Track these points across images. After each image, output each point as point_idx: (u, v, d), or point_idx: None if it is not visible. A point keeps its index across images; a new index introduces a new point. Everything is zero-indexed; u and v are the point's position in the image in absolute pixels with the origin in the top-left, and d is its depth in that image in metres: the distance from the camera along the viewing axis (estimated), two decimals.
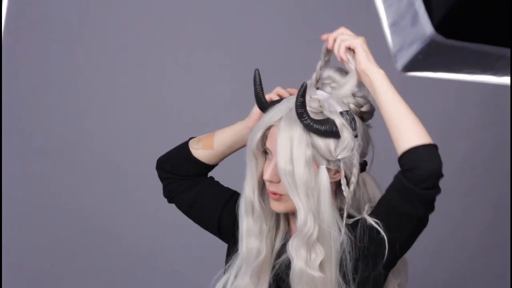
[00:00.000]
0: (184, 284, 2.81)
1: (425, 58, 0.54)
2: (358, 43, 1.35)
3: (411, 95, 2.91)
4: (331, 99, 1.37)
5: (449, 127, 2.96)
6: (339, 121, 1.33)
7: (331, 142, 1.33)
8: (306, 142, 1.31)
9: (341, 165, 1.35)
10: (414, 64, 0.56)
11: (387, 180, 1.38)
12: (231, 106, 2.75)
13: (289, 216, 1.43)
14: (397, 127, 1.30)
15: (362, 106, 1.39)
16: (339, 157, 1.34)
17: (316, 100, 1.35)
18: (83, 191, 2.80)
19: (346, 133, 1.34)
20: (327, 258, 1.34)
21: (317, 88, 1.42)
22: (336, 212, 1.36)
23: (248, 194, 1.40)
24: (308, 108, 1.31)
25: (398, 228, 1.32)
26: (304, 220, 1.32)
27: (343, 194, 1.37)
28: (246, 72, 2.80)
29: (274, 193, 1.37)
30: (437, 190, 1.34)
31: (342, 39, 1.38)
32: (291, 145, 1.31)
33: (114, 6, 2.79)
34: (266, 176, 1.36)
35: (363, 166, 1.44)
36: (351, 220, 1.38)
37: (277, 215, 1.44)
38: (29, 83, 2.76)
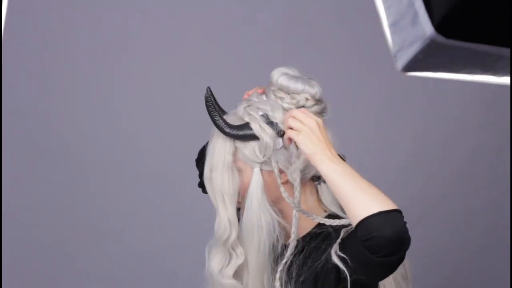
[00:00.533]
0: (183, 284, 2.81)
1: (425, 58, 0.54)
2: (300, 138, 1.30)
3: (411, 95, 2.92)
4: (261, 103, 1.40)
5: (449, 127, 2.96)
6: (255, 124, 1.37)
7: (255, 144, 1.38)
8: (227, 149, 1.39)
9: (273, 165, 1.38)
10: (414, 64, 0.56)
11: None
12: (231, 107, 2.75)
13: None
14: (349, 207, 1.24)
15: (298, 101, 1.39)
16: (264, 158, 1.37)
17: (240, 107, 1.42)
18: (82, 191, 2.80)
19: (264, 135, 1.36)
20: (249, 260, 1.39)
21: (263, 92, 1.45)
22: (271, 211, 1.39)
23: (232, 213, 1.44)
24: (231, 116, 1.40)
25: (366, 273, 1.28)
26: (218, 224, 1.41)
27: (323, 194, 1.43)
28: (246, 72, 2.80)
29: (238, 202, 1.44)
30: (400, 254, 1.23)
31: (289, 125, 1.33)
32: (213, 153, 1.41)
33: (115, 6, 2.79)
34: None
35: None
36: (335, 222, 1.38)
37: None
38: (29, 83, 2.76)
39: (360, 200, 1.23)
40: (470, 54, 0.53)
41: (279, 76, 1.41)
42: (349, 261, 1.28)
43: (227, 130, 1.38)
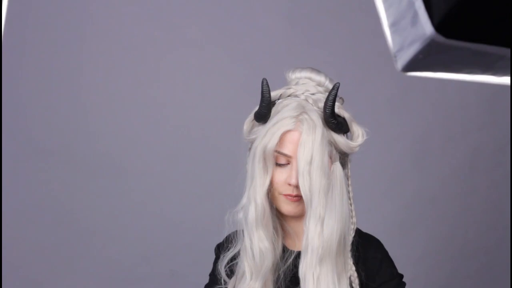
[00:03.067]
0: (184, 284, 2.81)
1: (425, 58, 0.54)
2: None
3: (411, 95, 2.92)
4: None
5: (449, 127, 2.97)
6: (348, 115, 1.40)
7: (344, 137, 1.40)
8: (327, 141, 1.37)
9: (347, 158, 1.44)
10: (414, 64, 0.56)
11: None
12: (231, 107, 2.76)
13: (287, 220, 1.46)
14: None
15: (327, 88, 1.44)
16: (357, 149, 1.41)
17: (319, 100, 1.41)
18: (83, 191, 2.80)
19: (354, 126, 1.41)
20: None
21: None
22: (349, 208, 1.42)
23: (260, 200, 1.40)
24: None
25: None
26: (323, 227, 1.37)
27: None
28: (246, 72, 2.81)
29: (296, 196, 1.39)
30: None
31: None
32: (313, 147, 1.34)
33: (115, 6, 2.79)
34: (293, 181, 1.37)
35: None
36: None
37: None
38: (29, 83, 2.77)
39: None
40: (470, 54, 0.53)
41: (301, 70, 1.45)
42: None
43: (339, 125, 1.39)
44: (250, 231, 1.40)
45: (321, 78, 1.43)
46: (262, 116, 1.40)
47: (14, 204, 2.75)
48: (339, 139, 1.38)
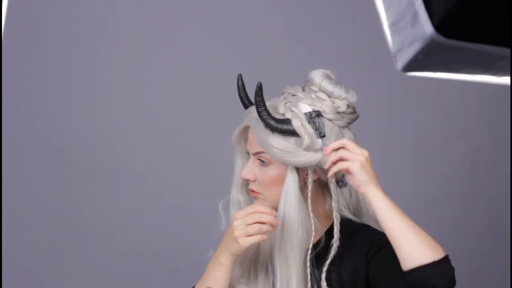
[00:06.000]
0: (184, 284, 2.81)
1: (425, 58, 0.54)
2: (356, 167, 1.30)
3: (411, 95, 2.92)
4: (302, 100, 1.40)
5: (449, 127, 2.96)
6: (297, 121, 1.36)
7: (291, 140, 1.37)
8: (262, 140, 1.38)
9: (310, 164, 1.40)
10: (414, 64, 0.56)
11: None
12: (231, 107, 2.75)
13: None
14: (401, 246, 1.26)
15: (338, 107, 1.39)
16: (299, 156, 1.37)
17: (281, 100, 1.41)
18: (83, 191, 2.80)
19: (304, 133, 1.36)
20: (289, 256, 1.40)
21: (303, 90, 1.44)
22: (302, 214, 1.39)
23: (234, 193, 1.48)
24: (275, 110, 1.39)
25: None
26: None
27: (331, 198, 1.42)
28: (246, 73, 2.80)
29: (252, 191, 1.44)
30: None
31: (341, 156, 1.32)
32: (261, 142, 1.38)
33: (115, 6, 2.79)
34: (241, 175, 1.43)
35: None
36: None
37: None
38: (29, 83, 2.76)
39: (414, 244, 1.25)
40: (470, 54, 0.53)
41: (323, 79, 1.40)
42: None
43: (274, 125, 1.36)
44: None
45: (314, 78, 1.42)
46: (242, 103, 1.49)
47: (14, 204, 2.75)
48: (280, 140, 1.36)
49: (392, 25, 0.56)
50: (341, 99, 1.39)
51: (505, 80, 0.58)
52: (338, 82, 1.41)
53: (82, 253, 2.81)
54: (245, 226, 1.31)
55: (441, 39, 0.51)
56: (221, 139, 2.77)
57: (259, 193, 1.43)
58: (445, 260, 1.26)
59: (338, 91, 1.39)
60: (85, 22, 2.78)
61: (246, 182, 1.47)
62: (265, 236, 1.32)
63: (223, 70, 2.81)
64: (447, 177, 2.95)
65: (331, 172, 1.33)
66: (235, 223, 1.32)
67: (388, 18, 0.56)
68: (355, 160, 1.30)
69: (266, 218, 1.31)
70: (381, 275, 1.35)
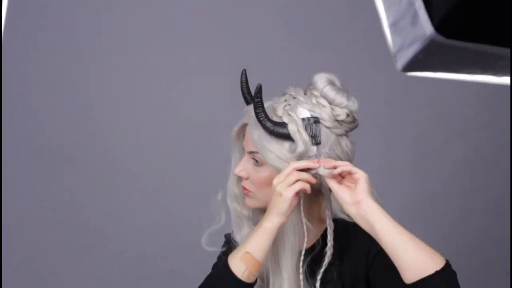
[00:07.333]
0: (184, 284, 2.81)
1: (425, 58, 0.54)
2: (365, 176, 1.30)
3: (411, 95, 2.92)
4: (302, 104, 1.38)
5: (449, 127, 2.97)
6: (293, 126, 1.35)
7: (286, 144, 1.37)
8: (265, 142, 1.38)
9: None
10: (414, 64, 0.56)
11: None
12: (231, 107, 2.75)
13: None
14: (401, 259, 1.23)
15: (338, 115, 1.37)
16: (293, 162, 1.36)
17: (281, 102, 1.40)
18: (83, 191, 2.80)
19: (299, 139, 1.35)
20: (282, 261, 1.41)
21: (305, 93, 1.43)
22: (295, 219, 1.39)
23: (229, 185, 1.51)
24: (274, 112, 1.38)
25: None
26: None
27: (326, 199, 1.42)
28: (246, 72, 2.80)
29: (244, 188, 1.45)
30: None
31: (350, 169, 1.32)
32: (256, 143, 1.38)
33: (115, 6, 2.79)
34: (235, 171, 1.44)
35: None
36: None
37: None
38: (29, 83, 2.77)
39: (415, 257, 1.22)
40: (470, 54, 0.53)
41: (325, 85, 1.39)
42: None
43: (271, 127, 1.35)
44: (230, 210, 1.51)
45: (317, 83, 1.41)
46: (244, 99, 1.48)
47: (14, 204, 2.75)
48: (275, 143, 1.36)
49: (392, 25, 0.56)
50: (341, 107, 1.38)
51: (505, 80, 0.58)
52: (341, 89, 1.40)
53: (82, 253, 2.81)
54: (286, 182, 1.32)
55: (441, 39, 0.51)
56: (220, 139, 2.78)
57: (250, 191, 1.43)
58: (447, 268, 1.23)
59: (339, 98, 1.38)
60: (85, 22, 2.78)
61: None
62: (307, 185, 1.32)
63: (222, 71, 2.81)
64: (447, 177, 2.95)
65: (335, 172, 1.32)
66: (278, 186, 1.32)
67: (388, 18, 0.56)
68: (362, 172, 1.30)
69: (303, 176, 1.32)
70: (381, 281, 1.35)
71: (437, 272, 1.21)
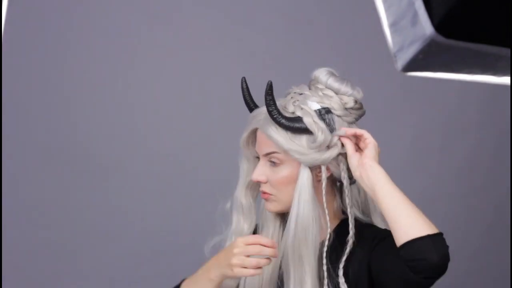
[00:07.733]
0: None
1: (425, 58, 0.54)
2: (373, 141, 1.36)
3: (411, 95, 2.92)
4: (310, 98, 1.40)
5: (449, 127, 2.96)
6: (308, 118, 1.36)
7: (303, 138, 1.37)
8: (284, 139, 1.37)
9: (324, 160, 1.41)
10: (414, 64, 0.56)
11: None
12: (231, 107, 2.75)
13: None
14: (395, 220, 1.27)
15: (346, 103, 1.41)
16: (314, 154, 1.37)
17: (289, 100, 1.40)
18: (83, 191, 2.80)
19: (317, 130, 1.36)
20: (304, 256, 1.40)
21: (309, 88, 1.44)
22: (316, 211, 1.39)
23: (237, 194, 1.49)
24: (284, 108, 1.39)
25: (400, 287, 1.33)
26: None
27: (345, 194, 1.42)
28: (246, 73, 2.80)
29: (264, 193, 1.43)
30: (439, 276, 1.31)
31: (362, 132, 1.38)
32: (277, 142, 1.37)
33: (114, 7, 2.79)
34: (253, 177, 1.42)
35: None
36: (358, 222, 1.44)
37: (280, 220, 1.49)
38: (29, 83, 2.76)
39: (409, 218, 1.27)
40: (470, 54, 0.53)
41: (328, 76, 1.41)
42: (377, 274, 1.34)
43: (286, 123, 1.35)
44: (231, 219, 1.51)
45: (319, 76, 1.42)
46: (247, 106, 1.48)
47: (14, 204, 2.75)
48: (294, 139, 1.37)
49: (392, 25, 0.56)
50: (348, 95, 1.41)
51: (505, 80, 0.58)
52: (343, 78, 1.43)
53: (82, 253, 2.81)
54: (244, 257, 1.31)
55: (441, 39, 0.51)
56: (221, 141, 2.78)
57: (270, 195, 1.42)
58: (439, 235, 1.26)
59: (344, 87, 1.40)
60: (85, 22, 2.78)
61: (250, 186, 1.48)
62: (260, 271, 1.32)
63: (225, 72, 2.81)
64: (447, 177, 2.95)
65: (349, 132, 1.36)
66: (235, 250, 1.31)
67: (388, 18, 0.56)
68: (372, 139, 1.36)
69: (267, 252, 1.31)
70: (379, 260, 1.35)
71: (428, 235, 1.24)
